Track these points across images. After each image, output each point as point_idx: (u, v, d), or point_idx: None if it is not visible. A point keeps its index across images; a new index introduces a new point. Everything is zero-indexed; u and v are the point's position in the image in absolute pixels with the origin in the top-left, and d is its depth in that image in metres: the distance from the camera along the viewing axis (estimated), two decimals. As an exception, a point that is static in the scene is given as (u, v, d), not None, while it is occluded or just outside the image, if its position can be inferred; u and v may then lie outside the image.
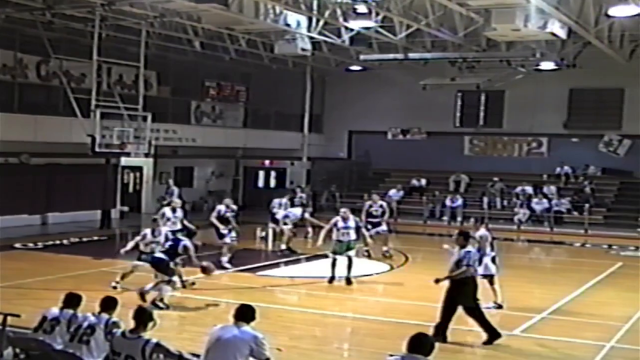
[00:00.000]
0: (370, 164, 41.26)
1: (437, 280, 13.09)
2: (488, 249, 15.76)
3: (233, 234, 20.74)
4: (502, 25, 22.68)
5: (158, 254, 15.67)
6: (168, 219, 19.76)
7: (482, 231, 16.08)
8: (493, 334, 12.85)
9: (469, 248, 13.13)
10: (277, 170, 40.51)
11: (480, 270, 14.81)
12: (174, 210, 20.46)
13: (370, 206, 23.66)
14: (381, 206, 23.66)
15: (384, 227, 23.25)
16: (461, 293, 12.85)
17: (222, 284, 18.27)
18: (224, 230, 20.56)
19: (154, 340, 8.19)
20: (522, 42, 28.74)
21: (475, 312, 12.95)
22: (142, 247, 17.06)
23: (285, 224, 24.30)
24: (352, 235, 18.73)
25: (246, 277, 19.24)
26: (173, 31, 29.66)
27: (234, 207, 21.96)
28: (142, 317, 8.34)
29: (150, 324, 8.34)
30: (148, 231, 17.20)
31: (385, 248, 22.90)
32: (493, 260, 15.81)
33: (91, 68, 26.33)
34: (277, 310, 14.84)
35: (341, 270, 18.07)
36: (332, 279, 18.14)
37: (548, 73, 33.70)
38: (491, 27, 23.11)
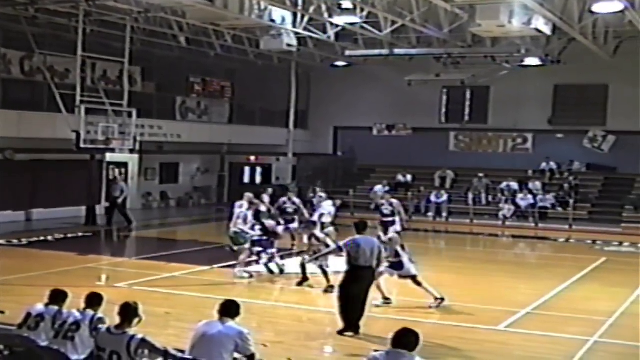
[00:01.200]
0: (355, 159, 41.30)
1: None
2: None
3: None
4: (487, 22, 22.74)
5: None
6: None
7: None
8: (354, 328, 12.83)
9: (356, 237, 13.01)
10: (262, 166, 40.48)
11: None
12: None
13: (284, 203, 23.67)
14: (294, 203, 23.77)
15: (296, 224, 23.32)
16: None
17: (207, 279, 18.26)
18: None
19: (140, 335, 8.18)
20: (506, 38, 28.78)
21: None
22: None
23: (323, 224, 21.01)
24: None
25: (231, 273, 19.22)
26: (158, 26, 29.59)
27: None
28: (128, 313, 8.33)
29: (136, 320, 8.33)
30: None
31: (293, 243, 23.06)
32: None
33: (75, 63, 26.27)
34: (262, 305, 14.85)
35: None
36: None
37: (533, 69, 33.83)
38: (476, 23, 23.17)
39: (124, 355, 8.04)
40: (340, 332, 12.82)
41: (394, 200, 23.81)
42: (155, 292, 16.70)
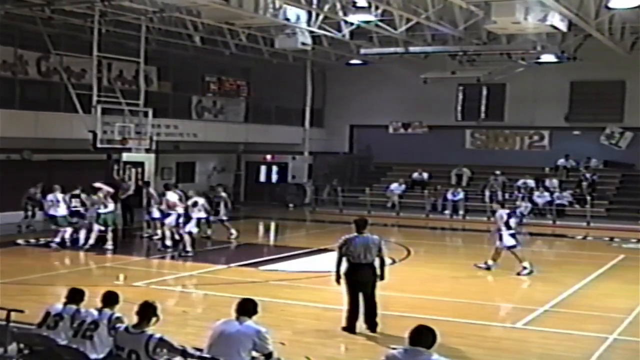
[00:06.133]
0: (371, 157, 41.30)
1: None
2: None
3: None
4: (503, 18, 22.68)
5: None
6: None
7: None
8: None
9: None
10: (278, 164, 40.52)
11: None
12: None
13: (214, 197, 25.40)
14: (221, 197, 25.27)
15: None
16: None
17: (224, 278, 18.32)
18: None
19: (158, 335, 8.21)
20: (522, 35, 28.73)
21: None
22: None
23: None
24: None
25: (249, 272, 19.30)
26: (173, 26, 29.70)
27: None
28: (146, 312, 8.37)
29: (154, 320, 8.37)
30: None
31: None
32: None
33: (91, 64, 26.32)
34: (279, 304, 14.85)
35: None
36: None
37: (549, 66, 33.70)
38: (491, 20, 23.09)
39: (143, 354, 8.08)
40: (345, 329, 12.89)
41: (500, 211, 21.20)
42: (172, 291, 16.81)
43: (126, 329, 8.41)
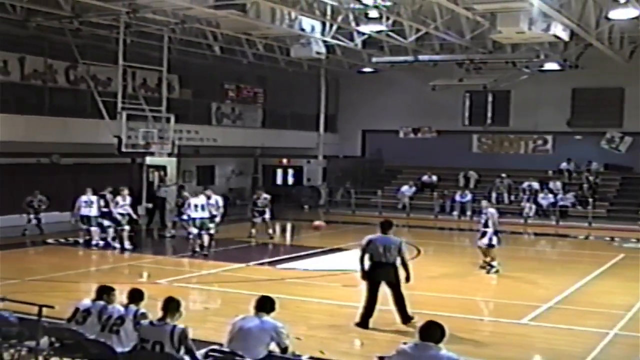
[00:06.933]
0: (382, 161, 41.30)
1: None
2: None
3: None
4: (507, 28, 22.60)
5: None
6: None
7: None
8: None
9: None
10: (294, 168, 40.58)
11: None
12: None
13: (258, 198, 25.46)
14: (265, 198, 25.46)
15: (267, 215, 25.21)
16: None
17: (243, 276, 18.36)
18: None
19: (181, 326, 8.26)
20: (526, 44, 28.68)
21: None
22: None
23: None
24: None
25: (266, 270, 19.34)
26: (193, 36, 29.80)
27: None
28: (170, 307, 8.39)
29: (177, 315, 8.40)
30: None
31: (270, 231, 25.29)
32: None
33: (117, 72, 26.48)
34: (295, 301, 14.87)
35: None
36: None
37: (551, 73, 33.65)
38: (497, 30, 23.04)
39: (167, 345, 8.10)
40: (358, 325, 12.97)
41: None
42: (194, 288, 16.85)
43: (150, 322, 8.45)
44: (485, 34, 26.58)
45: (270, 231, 25.36)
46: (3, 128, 24.59)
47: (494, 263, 19.00)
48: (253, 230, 25.27)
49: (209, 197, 21.95)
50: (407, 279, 12.98)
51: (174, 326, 8.21)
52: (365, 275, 13.13)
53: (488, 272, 18.84)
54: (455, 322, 12.38)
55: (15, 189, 25.13)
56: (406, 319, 13.03)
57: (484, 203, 20.42)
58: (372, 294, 13.07)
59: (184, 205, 22.50)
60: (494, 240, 18.97)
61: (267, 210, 25.26)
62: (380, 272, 12.98)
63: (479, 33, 27.03)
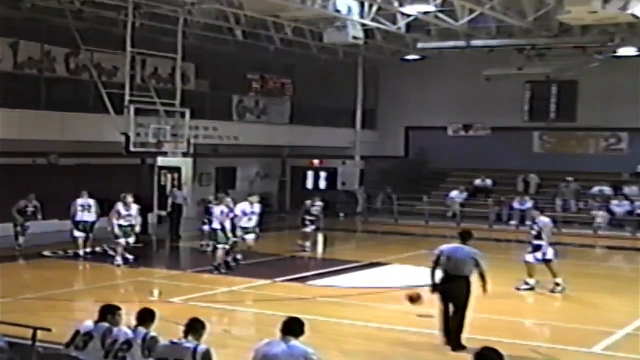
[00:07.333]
0: (429, 162, 41.17)
1: None
2: None
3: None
4: (577, 8, 22.38)
5: None
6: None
7: None
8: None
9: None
10: (327, 170, 40.59)
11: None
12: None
13: (312, 205, 25.72)
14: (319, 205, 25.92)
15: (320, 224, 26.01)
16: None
17: (268, 294, 18.33)
18: None
19: (204, 346, 8.35)
20: (599, 25, 28.37)
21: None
22: None
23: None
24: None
25: (294, 287, 19.30)
26: (212, 19, 29.87)
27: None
28: (195, 329, 8.53)
29: (200, 338, 8.48)
30: None
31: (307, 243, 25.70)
32: None
33: (124, 60, 26.54)
34: (327, 323, 14.83)
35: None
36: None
37: (628, 60, 33.28)
38: (564, 9, 22.83)
39: None
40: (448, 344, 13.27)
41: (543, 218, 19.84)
42: (212, 308, 16.83)
43: (171, 341, 8.54)
44: (551, 14, 26.38)
45: (307, 243, 25.51)
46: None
47: (559, 280, 18.81)
48: (307, 243, 25.53)
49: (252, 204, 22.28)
50: (485, 288, 13.54)
51: (197, 345, 8.32)
52: (436, 288, 13.46)
53: (552, 291, 18.64)
54: (512, 349, 12.21)
55: (8, 194, 25.31)
56: (458, 346, 13.04)
57: (535, 212, 20.44)
58: (447, 309, 13.41)
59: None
60: (550, 254, 18.85)
61: (321, 220, 25.80)
62: (451, 285, 13.33)
63: (543, 13, 26.88)
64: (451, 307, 13.33)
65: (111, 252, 22.36)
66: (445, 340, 13.27)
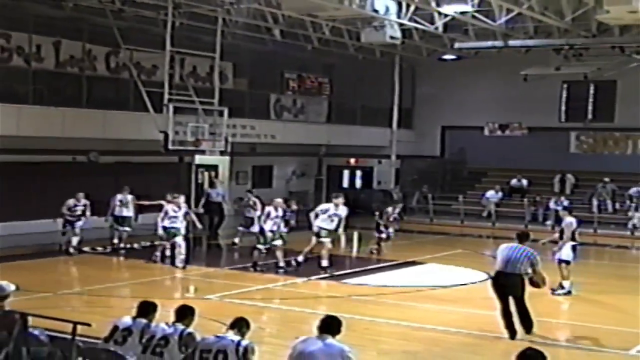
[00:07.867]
0: (465, 162, 41.02)
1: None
2: None
3: None
4: (617, 7, 22.13)
5: None
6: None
7: None
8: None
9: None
10: (363, 169, 40.53)
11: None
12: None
13: (393, 211, 25.66)
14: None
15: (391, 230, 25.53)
16: None
17: (303, 292, 18.33)
18: None
19: (247, 341, 8.49)
20: (638, 25, 28.09)
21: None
22: None
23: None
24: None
25: (330, 286, 19.28)
26: (251, 18, 29.90)
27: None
28: (240, 324, 8.77)
29: (241, 333, 8.58)
30: None
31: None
32: None
33: (163, 59, 26.62)
34: (363, 322, 14.80)
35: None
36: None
37: (668, 60, 32.92)
38: (604, 9, 22.61)
39: (232, 356, 8.31)
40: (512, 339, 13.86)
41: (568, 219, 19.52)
42: (247, 305, 16.84)
43: (215, 335, 8.66)
44: (589, 14, 26.16)
45: (374, 247, 25.15)
46: (35, 122, 25.09)
47: (566, 283, 18.64)
48: (381, 245, 25.24)
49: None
50: (544, 282, 14.50)
51: (240, 339, 8.49)
52: (492, 284, 14.46)
53: (553, 292, 18.35)
54: (554, 350, 12.12)
55: (48, 191, 25.54)
56: (528, 327, 14.01)
57: (562, 212, 20.83)
58: (504, 303, 14.06)
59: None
60: (565, 255, 18.74)
61: (397, 224, 26.07)
62: (505, 282, 14.08)
63: (581, 13, 26.68)
64: (511, 300, 13.93)
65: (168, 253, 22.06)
66: (510, 334, 13.83)
